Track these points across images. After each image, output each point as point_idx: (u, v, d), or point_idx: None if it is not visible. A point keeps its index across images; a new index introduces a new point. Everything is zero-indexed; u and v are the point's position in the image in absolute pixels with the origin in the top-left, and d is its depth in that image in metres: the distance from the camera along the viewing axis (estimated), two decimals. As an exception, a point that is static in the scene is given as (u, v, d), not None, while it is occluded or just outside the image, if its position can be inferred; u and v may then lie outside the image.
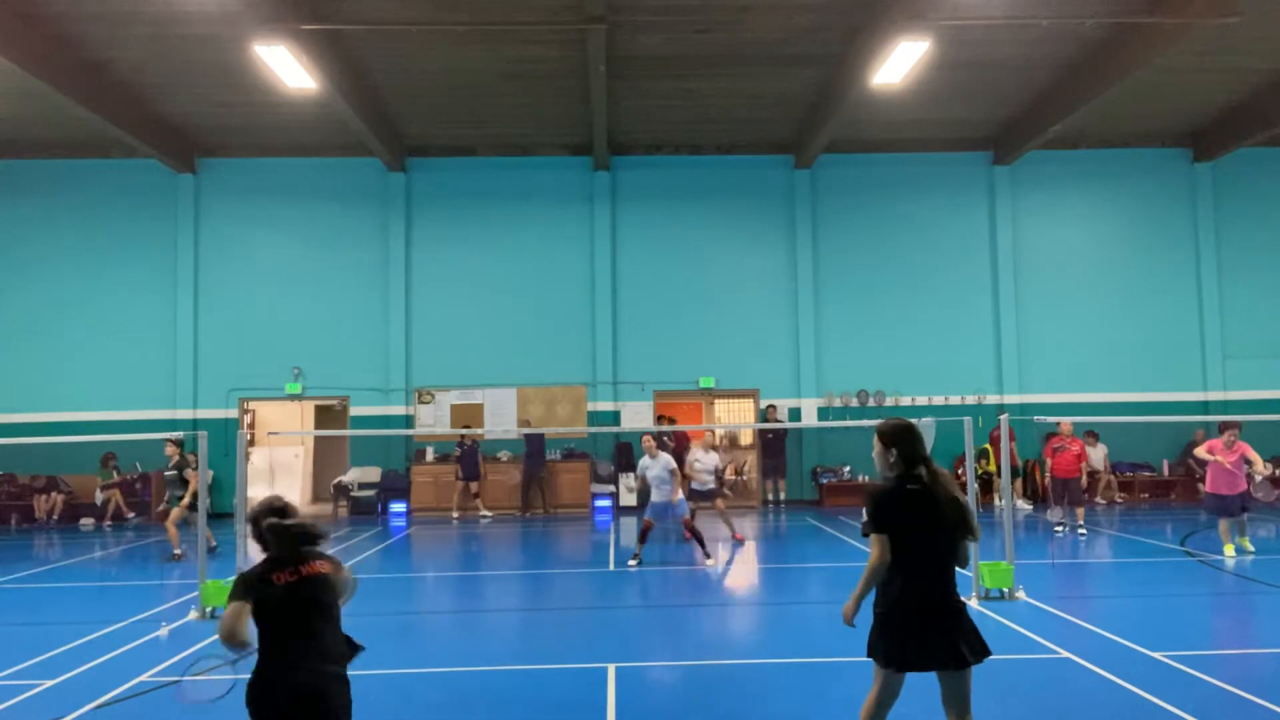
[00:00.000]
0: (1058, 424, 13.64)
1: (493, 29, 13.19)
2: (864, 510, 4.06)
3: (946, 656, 3.82)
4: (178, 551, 12.12)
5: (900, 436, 4.02)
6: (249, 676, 3.52)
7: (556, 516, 16.87)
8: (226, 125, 17.14)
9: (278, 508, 3.82)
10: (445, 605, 9.49)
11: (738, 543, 12.67)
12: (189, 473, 12.18)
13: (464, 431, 16.78)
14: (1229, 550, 10.84)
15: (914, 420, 4.21)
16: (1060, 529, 13.43)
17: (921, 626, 3.82)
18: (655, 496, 11.21)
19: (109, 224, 18.15)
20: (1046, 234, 18.51)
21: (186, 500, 12.09)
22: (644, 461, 11.34)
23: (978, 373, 18.25)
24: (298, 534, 3.78)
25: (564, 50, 14.00)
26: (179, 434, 12.45)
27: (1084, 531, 13.21)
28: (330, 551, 4.08)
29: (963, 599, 3.94)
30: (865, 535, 4.00)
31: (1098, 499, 17.30)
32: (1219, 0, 11.98)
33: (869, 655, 3.99)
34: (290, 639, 3.58)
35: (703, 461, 12.54)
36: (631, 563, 10.96)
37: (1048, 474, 14.18)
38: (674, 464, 11.29)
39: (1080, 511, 13.38)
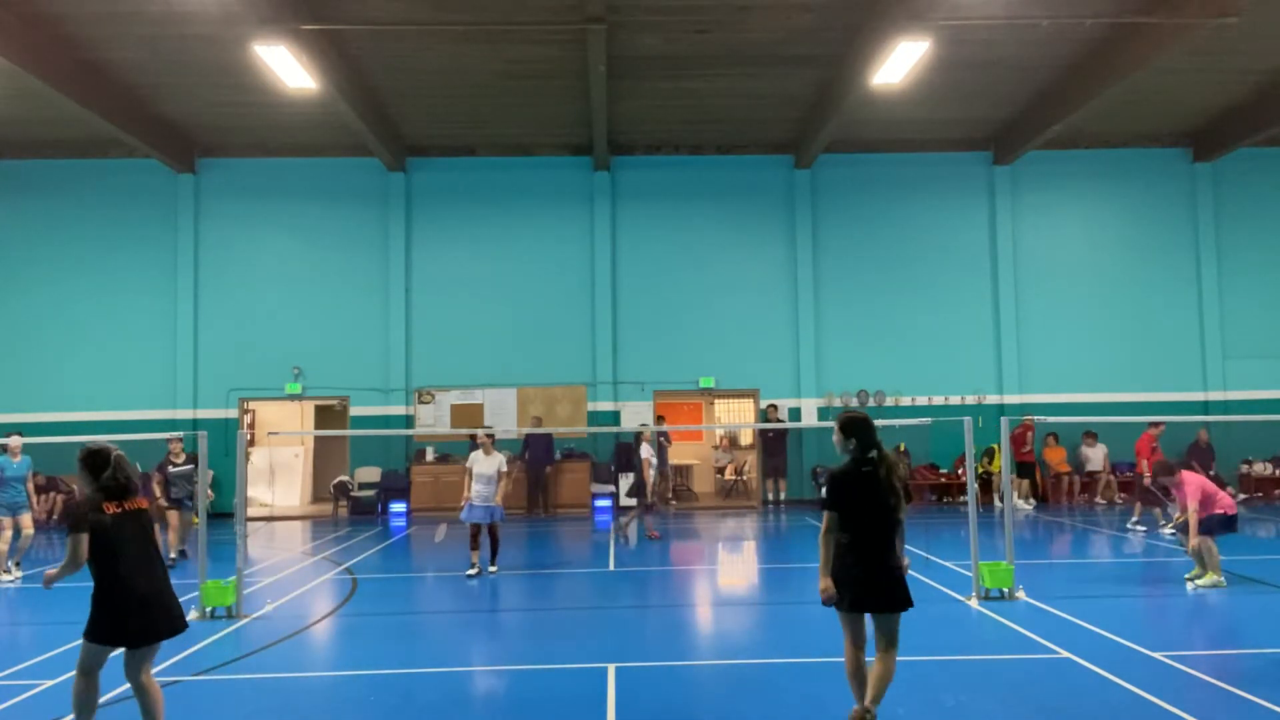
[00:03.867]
0: (1149, 423, 13.77)
1: (493, 29, 13.19)
2: (823, 489, 5.06)
3: (885, 603, 4.87)
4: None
5: (858, 426, 4.96)
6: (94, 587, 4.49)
7: (556, 517, 16.87)
8: (226, 125, 17.15)
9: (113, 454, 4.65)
10: (445, 605, 9.48)
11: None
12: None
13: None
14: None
15: (866, 413, 5.09)
16: (1165, 526, 12.96)
17: (867, 580, 4.84)
18: (479, 500, 10.44)
19: (109, 224, 18.15)
20: (1046, 234, 18.52)
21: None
22: (475, 455, 10.60)
23: (978, 373, 18.26)
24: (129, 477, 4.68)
25: (564, 50, 14.00)
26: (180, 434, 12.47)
27: (1144, 529, 13.25)
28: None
29: (899, 560, 4.94)
30: (822, 510, 5.00)
31: (1098, 499, 17.30)
32: (1218, 0, 11.98)
33: (828, 604, 4.92)
34: (122, 557, 4.46)
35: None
36: (491, 568, 10.61)
37: (1143, 471, 13.82)
38: (505, 465, 10.66)
39: (1159, 511, 13.35)
